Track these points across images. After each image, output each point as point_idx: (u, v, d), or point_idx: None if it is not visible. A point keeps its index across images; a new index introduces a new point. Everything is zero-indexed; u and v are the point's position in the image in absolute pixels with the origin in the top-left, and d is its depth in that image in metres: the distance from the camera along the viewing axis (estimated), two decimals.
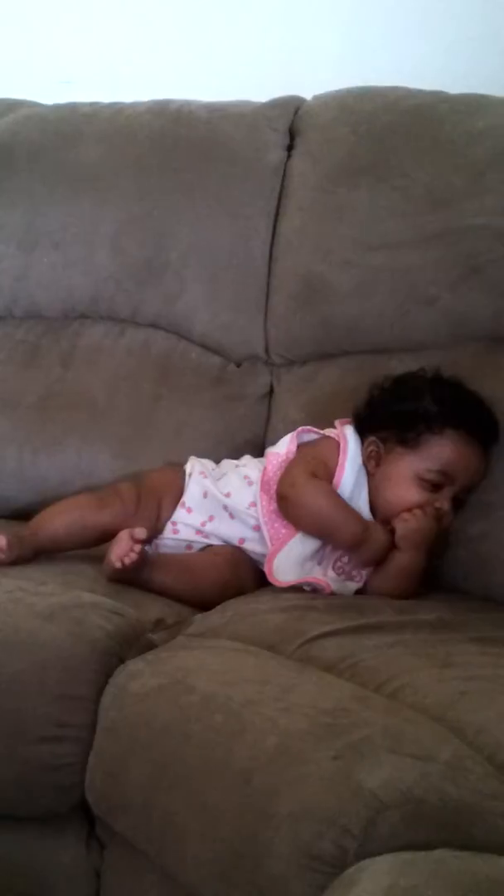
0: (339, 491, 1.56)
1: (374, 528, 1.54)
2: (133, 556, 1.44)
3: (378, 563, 1.53)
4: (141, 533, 1.46)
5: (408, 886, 0.81)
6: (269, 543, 1.57)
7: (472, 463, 1.55)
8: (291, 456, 1.61)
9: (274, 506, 1.57)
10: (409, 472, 1.54)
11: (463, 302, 1.69)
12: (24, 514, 1.68)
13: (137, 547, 1.45)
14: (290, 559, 1.55)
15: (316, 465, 1.58)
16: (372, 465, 1.57)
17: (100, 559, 1.50)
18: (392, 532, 1.52)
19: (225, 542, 1.61)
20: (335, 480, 1.56)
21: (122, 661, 1.27)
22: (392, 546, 1.52)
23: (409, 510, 1.52)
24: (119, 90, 2.07)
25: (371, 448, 1.58)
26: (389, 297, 1.74)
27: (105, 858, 1.29)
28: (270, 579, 1.55)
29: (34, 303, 1.98)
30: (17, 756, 1.23)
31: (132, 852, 1.18)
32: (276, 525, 1.57)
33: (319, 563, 1.55)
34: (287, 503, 1.55)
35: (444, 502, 1.53)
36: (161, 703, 1.16)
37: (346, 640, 1.29)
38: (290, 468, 1.59)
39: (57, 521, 1.58)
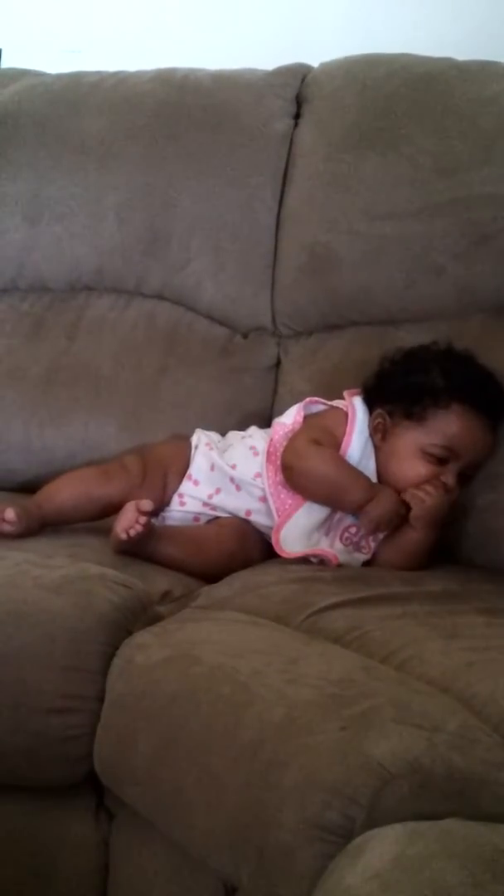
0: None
1: (381, 487, 1.53)
2: (138, 527, 1.44)
3: (390, 527, 1.52)
4: (146, 505, 1.46)
5: (415, 856, 0.81)
6: (275, 515, 1.56)
7: (478, 438, 1.54)
8: (298, 427, 1.61)
9: (280, 476, 1.57)
10: (414, 447, 1.53)
11: (470, 272, 1.67)
12: (30, 487, 1.67)
13: (143, 519, 1.45)
14: (297, 530, 1.54)
15: (321, 434, 1.57)
16: (378, 438, 1.57)
17: (107, 532, 1.50)
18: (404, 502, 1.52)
19: (232, 514, 1.61)
20: (342, 450, 1.56)
21: (129, 633, 1.28)
22: (403, 511, 1.51)
23: (419, 487, 1.51)
24: (124, 59, 2.05)
25: (378, 421, 1.57)
26: (396, 267, 1.73)
27: (113, 829, 1.29)
28: (277, 550, 1.55)
29: (39, 275, 1.97)
30: (25, 728, 1.23)
31: (141, 823, 1.18)
32: (281, 496, 1.57)
33: (326, 534, 1.55)
34: (292, 472, 1.55)
35: (449, 477, 1.52)
36: (168, 674, 1.16)
37: (352, 611, 1.29)
38: (293, 438, 1.59)
39: (63, 494, 1.58)
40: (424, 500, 1.50)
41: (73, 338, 1.91)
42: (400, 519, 1.52)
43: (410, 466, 1.53)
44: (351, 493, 1.52)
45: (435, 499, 1.50)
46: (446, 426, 1.53)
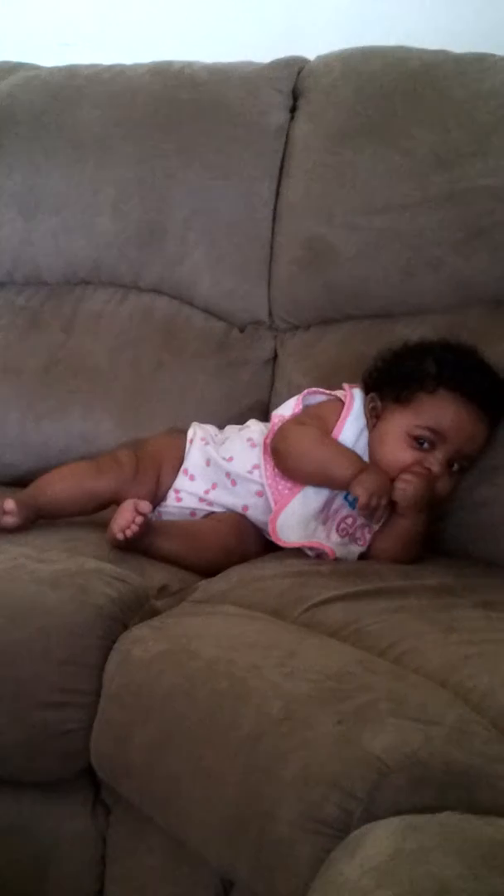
0: None
1: (370, 463, 1.53)
2: (135, 528, 1.44)
3: (384, 504, 1.50)
4: (145, 507, 1.45)
5: (412, 849, 0.81)
6: (272, 503, 1.56)
7: (465, 424, 1.52)
8: None
9: None
10: (399, 429, 1.53)
11: (468, 264, 1.67)
12: (26, 481, 1.66)
13: (140, 519, 1.44)
14: (293, 518, 1.54)
15: (309, 419, 1.58)
16: (372, 423, 1.57)
17: (103, 525, 1.50)
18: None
19: (228, 509, 1.60)
20: (333, 434, 1.56)
21: (126, 627, 1.27)
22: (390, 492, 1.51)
23: (401, 476, 1.50)
24: (120, 52, 2.04)
25: (371, 405, 1.58)
26: (394, 260, 1.72)
27: (111, 823, 1.29)
28: (274, 538, 1.55)
29: (36, 268, 1.97)
30: (22, 722, 1.23)
31: (138, 817, 1.18)
32: (279, 486, 1.57)
33: (324, 524, 1.55)
34: (279, 455, 1.56)
35: (434, 464, 1.51)
36: (165, 668, 1.16)
37: (350, 605, 1.29)
38: (281, 425, 1.60)
39: (55, 487, 1.58)
40: (406, 489, 1.49)
41: (70, 332, 1.90)
42: (388, 508, 1.50)
43: (395, 450, 1.53)
44: (337, 467, 1.52)
45: (416, 486, 1.49)
46: (431, 409, 1.52)
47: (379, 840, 0.84)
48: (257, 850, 0.96)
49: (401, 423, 1.53)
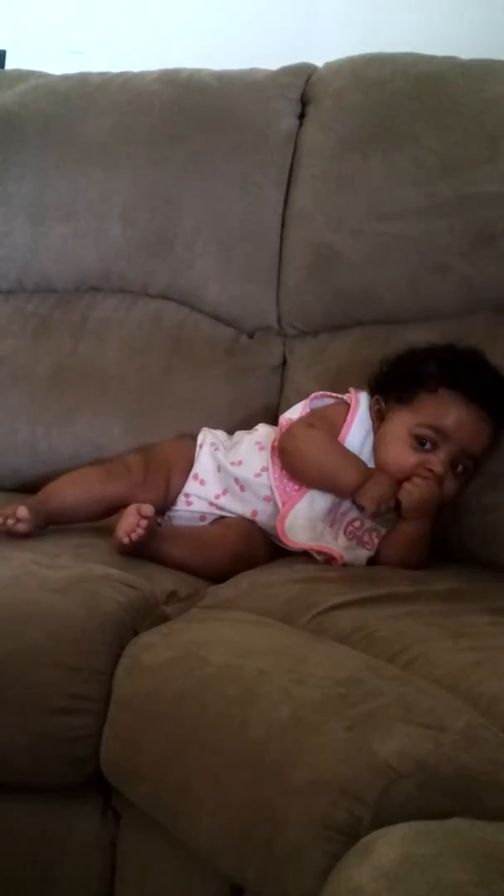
0: None
1: (376, 471, 1.54)
2: (140, 531, 1.44)
3: (390, 508, 1.51)
4: (148, 510, 1.45)
5: (422, 855, 0.81)
6: (280, 505, 1.57)
7: (466, 423, 1.52)
8: None
9: None
10: (402, 430, 1.54)
11: (476, 270, 1.68)
12: (34, 487, 1.67)
13: (144, 522, 1.44)
14: (301, 519, 1.55)
15: (317, 420, 1.59)
16: (377, 425, 1.58)
17: (112, 532, 1.50)
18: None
19: (237, 515, 1.61)
20: (340, 437, 1.57)
21: (135, 633, 1.27)
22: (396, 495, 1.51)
23: (409, 479, 1.51)
24: (129, 60, 2.05)
25: (376, 407, 1.59)
26: (402, 266, 1.73)
27: (120, 829, 1.29)
28: (282, 538, 1.55)
29: (45, 276, 1.98)
30: (31, 728, 1.23)
31: (147, 822, 1.18)
32: (287, 488, 1.57)
33: (331, 527, 1.55)
34: (285, 455, 1.57)
35: (437, 465, 1.51)
36: (175, 674, 1.16)
37: (359, 610, 1.29)
38: (290, 424, 1.61)
39: (65, 493, 1.58)
40: (412, 493, 1.50)
41: (79, 338, 1.91)
42: (395, 512, 1.51)
43: (397, 451, 1.53)
44: (343, 474, 1.53)
45: (423, 490, 1.50)
46: (433, 407, 1.53)
47: (388, 846, 0.84)
48: (266, 855, 0.96)
49: (403, 422, 1.54)
